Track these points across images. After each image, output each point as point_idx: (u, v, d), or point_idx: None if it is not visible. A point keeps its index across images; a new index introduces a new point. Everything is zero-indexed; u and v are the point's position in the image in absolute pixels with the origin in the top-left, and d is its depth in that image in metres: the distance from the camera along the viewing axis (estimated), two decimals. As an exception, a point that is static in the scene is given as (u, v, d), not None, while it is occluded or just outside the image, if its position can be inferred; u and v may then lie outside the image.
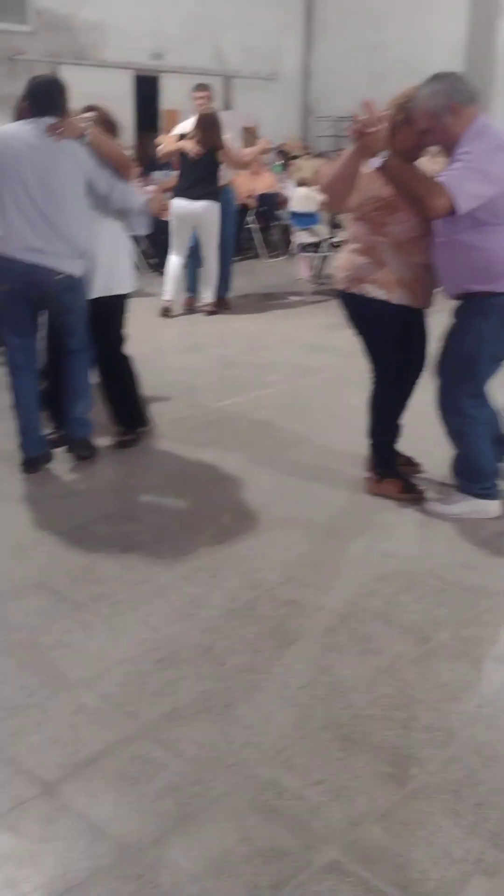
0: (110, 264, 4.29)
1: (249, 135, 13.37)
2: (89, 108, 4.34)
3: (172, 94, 16.50)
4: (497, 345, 3.59)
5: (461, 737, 2.41)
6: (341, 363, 6.25)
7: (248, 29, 17.62)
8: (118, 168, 4.07)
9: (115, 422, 4.60)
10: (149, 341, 6.50)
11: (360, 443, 4.62)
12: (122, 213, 4.25)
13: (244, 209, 10.71)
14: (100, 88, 15.83)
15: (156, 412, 4.93)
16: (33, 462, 4.20)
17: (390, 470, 3.99)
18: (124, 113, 14.82)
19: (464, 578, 3.27)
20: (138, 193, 4.23)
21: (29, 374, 4.17)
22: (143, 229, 4.45)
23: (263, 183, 11.08)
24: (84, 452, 4.33)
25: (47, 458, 4.28)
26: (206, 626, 2.93)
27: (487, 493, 3.76)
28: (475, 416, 3.67)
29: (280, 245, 11.24)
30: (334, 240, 8.90)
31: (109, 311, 4.39)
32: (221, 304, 7.92)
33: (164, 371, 5.90)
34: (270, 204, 10.90)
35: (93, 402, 4.42)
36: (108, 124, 4.32)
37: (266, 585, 3.19)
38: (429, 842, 2.06)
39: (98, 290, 4.29)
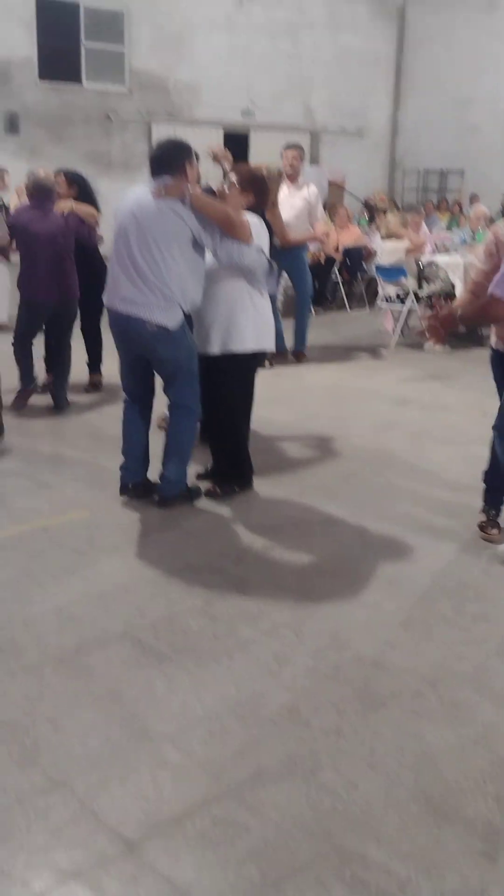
0: (231, 323, 4.31)
1: (336, 189, 13.56)
2: (233, 170, 4.53)
3: (262, 149, 16.89)
4: None
5: None
6: (426, 417, 6.19)
7: (337, 86, 18.00)
8: (224, 228, 4.10)
9: (213, 471, 4.65)
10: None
11: (447, 497, 4.55)
12: (244, 272, 4.26)
13: (330, 262, 10.81)
14: (191, 145, 16.31)
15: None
16: (126, 488, 4.46)
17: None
18: (214, 168, 15.23)
19: None
20: (256, 256, 4.20)
21: (136, 409, 4.45)
22: (269, 288, 4.42)
23: (350, 236, 11.16)
24: (167, 505, 4.39)
25: (142, 488, 4.46)
26: (291, 684, 2.88)
27: None
28: None
29: (365, 297, 11.28)
30: (420, 293, 8.87)
31: (226, 369, 4.39)
32: (298, 357, 8.00)
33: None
34: (356, 257, 10.97)
35: (188, 461, 4.45)
36: (249, 183, 4.37)
37: (352, 645, 3.13)
38: (525, 930, 1.96)
39: (216, 347, 4.34)
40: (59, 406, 6.08)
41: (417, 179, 19.19)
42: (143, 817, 2.28)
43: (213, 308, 4.30)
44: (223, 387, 4.43)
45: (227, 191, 4.32)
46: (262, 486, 4.73)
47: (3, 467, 4.93)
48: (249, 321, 4.34)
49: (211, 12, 15.52)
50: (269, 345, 4.53)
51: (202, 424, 4.68)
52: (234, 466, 4.60)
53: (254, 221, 4.26)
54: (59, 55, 14.22)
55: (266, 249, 4.37)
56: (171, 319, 4.09)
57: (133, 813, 2.29)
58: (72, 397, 6.26)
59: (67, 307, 6.07)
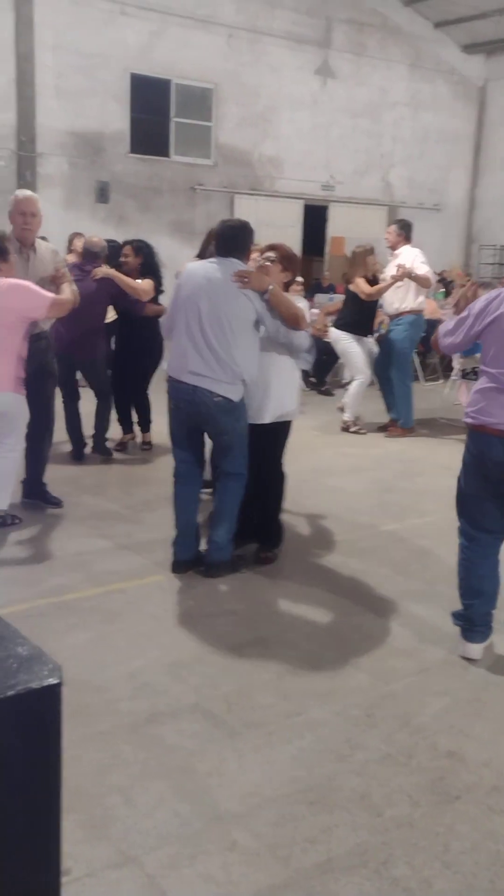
0: (281, 393, 4.54)
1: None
2: (271, 248, 4.66)
3: (340, 221, 17.22)
4: None
5: None
6: None
7: (416, 162, 18.30)
8: (289, 322, 4.34)
9: (258, 538, 4.73)
10: (308, 461, 6.59)
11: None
12: (290, 349, 4.50)
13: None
14: (271, 216, 16.76)
15: (314, 533, 4.95)
16: (180, 564, 4.48)
17: None
18: (293, 239, 15.56)
19: None
20: (305, 336, 4.48)
21: (188, 483, 4.51)
22: (306, 365, 4.73)
23: (426, 309, 11.20)
24: (214, 573, 4.44)
25: (193, 563, 4.49)
26: (362, 770, 2.83)
27: None
28: None
29: (438, 370, 11.27)
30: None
31: (275, 435, 4.63)
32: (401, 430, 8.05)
33: (322, 492, 5.94)
34: (431, 330, 10.98)
35: (234, 528, 4.50)
36: (287, 260, 4.60)
37: (425, 732, 3.07)
38: None
39: (270, 416, 4.54)
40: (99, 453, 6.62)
41: (494, 255, 19.25)
42: (212, 900, 2.25)
43: (266, 379, 4.48)
44: (275, 452, 4.67)
45: (267, 265, 4.52)
46: (333, 557, 4.72)
47: (81, 528, 5.02)
48: (295, 390, 4.64)
49: (295, 91, 16.03)
50: (297, 412, 4.76)
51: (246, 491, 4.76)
52: (277, 527, 4.78)
53: (303, 305, 4.54)
54: (149, 129, 14.82)
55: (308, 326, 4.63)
56: (235, 393, 4.29)
57: (202, 895, 2.26)
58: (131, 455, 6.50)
59: (90, 365, 6.58)
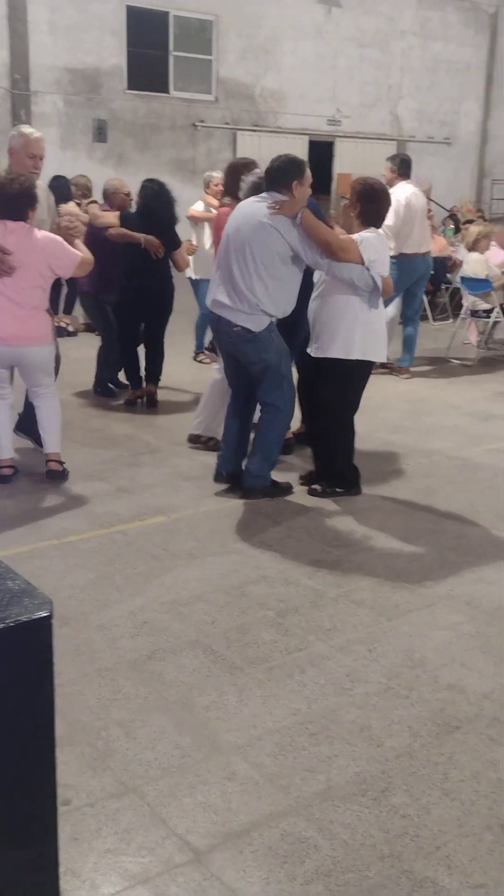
0: (337, 332, 4.44)
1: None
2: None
3: (346, 158, 16.84)
4: None
5: None
6: (510, 433, 6.06)
7: (425, 95, 17.85)
8: (326, 252, 4.29)
9: (317, 475, 4.80)
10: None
11: (530, 520, 4.43)
12: (347, 285, 4.39)
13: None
14: (275, 153, 16.38)
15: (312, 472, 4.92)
16: (220, 475, 4.76)
17: None
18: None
19: None
20: (353, 269, 4.33)
21: (237, 405, 4.74)
22: (371, 304, 4.50)
23: (435, 246, 10.99)
24: (247, 496, 4.62)
25: (235, 478, 4.70)
26: (363, 702, 2.84)
27: None
28: None
29: (448, 309, 11.12)
30: (506, 306, 8.70)
31: (332, 374, 4.53)
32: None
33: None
34: (440, 267, 10.81)
35: (274, 459, 4.66)
36: (359, 196, 4.49)
37: (427, 665, 3.07)
38: None
39: (322, 352, 4.51)
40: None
41: (506, 190, 18.86)
42: (212, 827, 2.27)
43: (325, 314, 4.49)
44: (325, 390, 4.62)
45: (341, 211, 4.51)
46: (339, 497, 4.69)
47: (84, 471, 5.01)
48: (357, 330, 4.47)
49: (299, 21, 15.55)
50: (378, 356, 4.67)
51: (308, 428, 4.99)
52: (335, 470, 4.75)
53: (369, 237, 4.40)
54: (147, 64, 14.46)
55: (386, 264, 4.52)
56: (255, 324, 4.36)
57: (202, 823, 2.29)
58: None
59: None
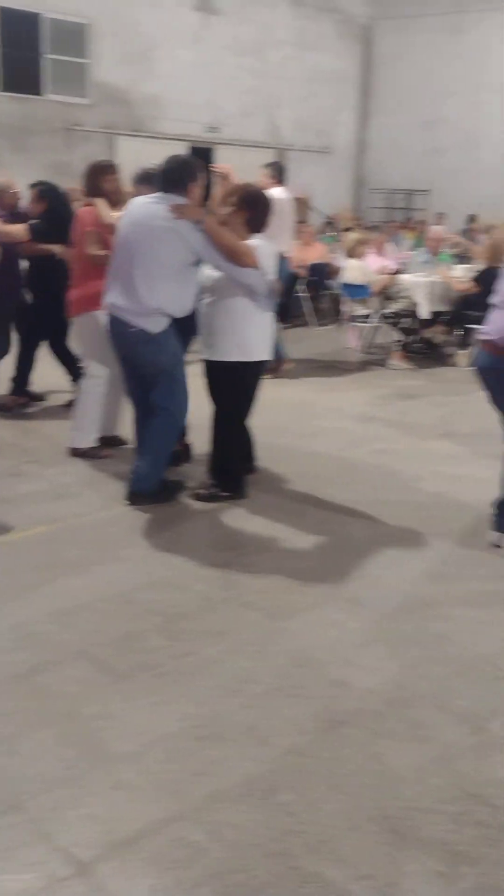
0: (229, 334, 4.46)
1: (302, 206, 13.64)
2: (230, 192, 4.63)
3: (227, 164, 16.92)
4: None
5: (517, 836, 2.29)
6: (392, 434, 6.22)
7: (303, 104, 18.14)
8: (229, 257, 4.29)
9: (210, 474, 4.80)
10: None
11: (412, 516, 4.56)
12: (243, 289, 4.41)
13: (295, 278, 10.84)
14: (154, 159, 16.34)
15: (204, 477, 4.92)
16: (131, 495, 4.63)
17: None
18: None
19: (518, 664, 3.15)
20: (253, 275, 4.37)
21: (140, 413, 4.71)
22: (265, 307, 4.56)
23: (315, 253, 11.21)
24: (134, 501, 4.58)
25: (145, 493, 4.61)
26: (252, 703, 2.86)
27: None
28: None
29: (330, 314, 11.33)
30: (385, 311, 8.94)
31: (221, 375, 4.57)
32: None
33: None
34: (321, 274, 11.01)
35: (163, 464, 4.63)
36: (243, 202, 4.49)
37: (314, 664, 3.11)
38: None
39: (216, 354, 4.53)
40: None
41: (384, 198, 19.39)
42: (98, 838, 2.23)
43: (221, 317, 4.49)
44: (221, 394, 4.63)
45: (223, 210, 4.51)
46: (228, 502, 4.70)
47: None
48: (252, 333, 4.53)
49: (176, 27, 15.57)
50: (269, 355, 4.72)
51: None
52: (223, 474, 4.74)
53: (260, 245, 4.45)
54: (20, 66, 14.18)
55: (272, 268, 4.57)
56: (153, 325, 4.36)
57: (87, 834, 2.25)
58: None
59: None
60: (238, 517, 4.51)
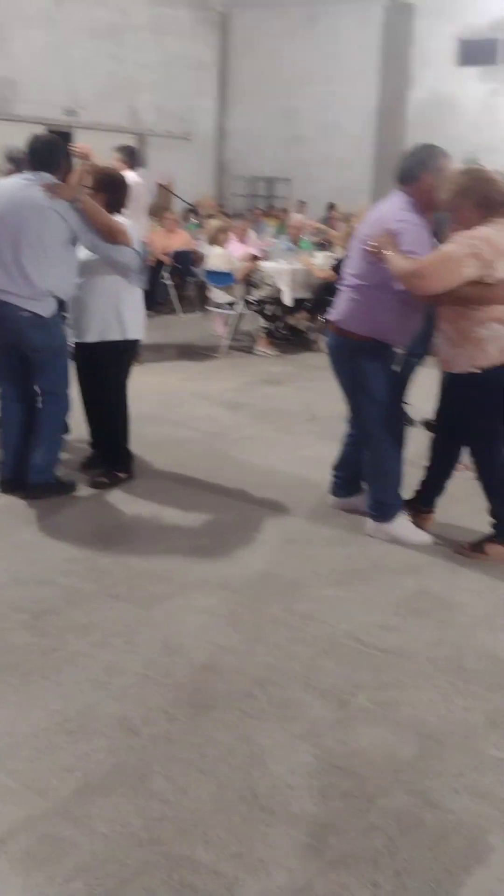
0: (107, 313, 4.52)
1: (164, 193, 13.57)
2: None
3: (85, 144, 16.58)
4: None
5: (379, 803, 2.39)
6: (258, 420, 6.31)
7: (162, 90, 17.99)
8: (104, 235, 4.31)
9: (97, 461, 4.85)
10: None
11: (278, 500, 4.65)
12: (119, 268, 4.46)
13: (160, 265, 10.80)
14: (10, 142, 15.84)
15: (65, 469, 4.86)
16: (5, 484, 4.57)
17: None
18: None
19: (382, 640, 3.27)
20: (127, 253, 4.44)
21: (12, 404, 4.55)
22: (139, 285, 4.66)
23: (178, 240, 11.19)
24: (35, 495, 4.50)
25: (19, 483, 4.54)
26: (121, 694, 2.86)
27: None
28: None
29: (195, 301, 11.34)
30: (249, 299, 9.02)
31: (104, 357, 4.62)
32: None
33: (74, 425, 5.82)
34: (185, 261, 11.01)
35: (58, 450, 4.62)
36: (100, 184, 4.51)
37: (183, 650, 3.14)
38: (349, 916, 2.02)
39: (93, 335, 4.55)
40: None
41: (246, 186, 19.50)
42: (-35, 844, 2.19)
43: (95, 299, 4.50)
44: (104, 374, 4.68)
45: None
46: (90, 492, 4.66)
47: None
48: (128, 311, 4.58)
49: (27, 8, 15.12)
50: (143, 335, 4.81)
51: (88, 414, 4.95)
52: (119, 453, 4.82)
53: (128, 223, 4.50)
54: None
55: (142, 248, 4.68)
56: (44, 308, 4.29)
57: (-47, 841, 2.19)
58: None
59: None
60: (106, 507, 4.48)
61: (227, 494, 4.75)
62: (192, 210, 14.26)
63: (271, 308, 9.07)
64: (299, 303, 8.98)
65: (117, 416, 4.82)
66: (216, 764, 2.52)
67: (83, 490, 4.67)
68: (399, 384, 4.39)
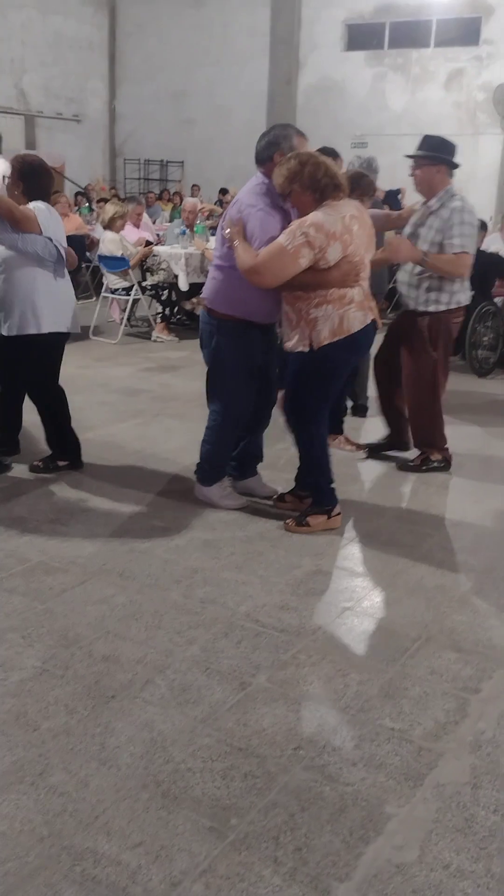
0: (23, 306, 4.42)
1: (56, 176, 13.29)
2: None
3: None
4: None
5: (280, 781, 2.43)
6: (156, 407, 6.27)
7: (50, 70, 17.60)
8: (9, 221, 4.23)
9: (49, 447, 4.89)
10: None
11: (178, 488, 4.65)
12: (34, 258, 4.37)
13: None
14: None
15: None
16: None
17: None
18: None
19: (279, 620, 3.32)
20: (42, 242, 4.36)
21: None
22: (59, 275, 4.54)
23: (71, 225, 10.96)
24: None
25: None
26: (18, 690, 2.81)
27: None
28: None
29: (90, 287, 11.17)
30: (145, 284, 8.94)
31: (23, 350, 4.52)
32: None
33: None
34: (79, 246, 10.80)
35: None
36: (19, 174, 4.43)
37: (82, 642, 3.11)
38: (249, 894, 2.05)
39: (11, 329, 4.46)
40: None
41: (139, 169, 19.29)
42: None
43: (12, 292, 4.40)
44: (25, 368, 4.62)
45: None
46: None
47: None
48: (46, 303, 4.47)
49: None
50: (73, 327, 4.69)
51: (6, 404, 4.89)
52: (59, 443, 4.82)
53: (42, 208, 4.39)
54: None
55: (61, 235, 4.52)
56: None
57: None
58: None
59: None
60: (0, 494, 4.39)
61: (125, 483, 4.71)
62: (84, 193, 14.01)
63: (167, 293, 9.02)
64: (195, 287, 8.96)
65: (48, 409, 4.78)
66: (117, 754, 2.52)
67: (54, 471, 4.79)
68: (267, 365, 4.35)
